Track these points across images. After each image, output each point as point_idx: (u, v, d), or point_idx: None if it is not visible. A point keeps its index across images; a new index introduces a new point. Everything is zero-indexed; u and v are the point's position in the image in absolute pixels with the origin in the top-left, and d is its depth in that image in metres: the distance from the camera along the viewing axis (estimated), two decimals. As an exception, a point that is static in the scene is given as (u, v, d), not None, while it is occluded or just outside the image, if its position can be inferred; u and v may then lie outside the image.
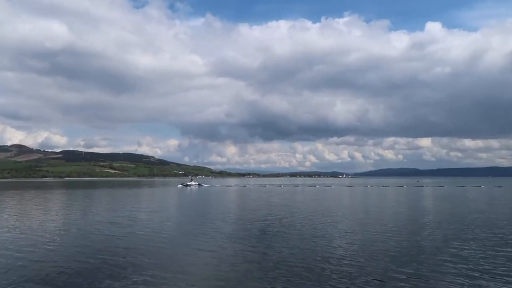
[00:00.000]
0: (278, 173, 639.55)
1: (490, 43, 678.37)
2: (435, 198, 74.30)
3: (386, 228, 30.97)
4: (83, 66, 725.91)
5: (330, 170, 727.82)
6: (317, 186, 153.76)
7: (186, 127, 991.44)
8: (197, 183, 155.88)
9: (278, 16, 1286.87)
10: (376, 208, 51.56)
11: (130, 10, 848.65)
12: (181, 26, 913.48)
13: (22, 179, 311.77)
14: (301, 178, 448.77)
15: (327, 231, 29.42)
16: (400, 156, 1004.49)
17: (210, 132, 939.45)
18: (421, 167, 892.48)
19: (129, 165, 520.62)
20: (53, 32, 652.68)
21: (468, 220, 36.79)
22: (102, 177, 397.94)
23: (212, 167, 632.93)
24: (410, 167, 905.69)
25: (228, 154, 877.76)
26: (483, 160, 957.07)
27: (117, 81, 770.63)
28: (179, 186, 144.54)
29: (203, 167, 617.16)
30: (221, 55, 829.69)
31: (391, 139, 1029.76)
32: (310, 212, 44.97)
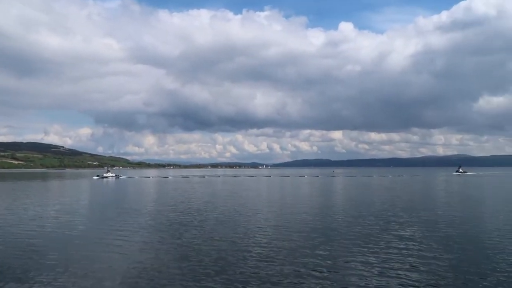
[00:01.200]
0: (199, 164, 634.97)
1: (394, 46, 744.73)
2: (350, 187, 79.34)
3: (308, 217, 31.84)
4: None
5: (249, 161, 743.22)
6: (241, 176, 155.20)
7: (100, 115, 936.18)
8: (114, 175, 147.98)
9: (199, 5, 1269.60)
10: (298, 198, 53.11)
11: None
12: (95, 6, 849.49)
13: None
14: (222, 169, 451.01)
15: (250, 222, 29.37)
16: (315, 148, 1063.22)
17: (127, 121, 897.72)
18: (333, 158, 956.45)
19: (35, 155, 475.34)
20: None
21: (383, 206, 39.54)
22: (3, 168, 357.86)
23: (129, 157, 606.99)
24: (324, 158, 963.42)
25: (146, 145, 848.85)
26: (386, 152, 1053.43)
27: (20, 63, 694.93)
28: (95, 177, 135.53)
29: (120, 157, 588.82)
30: (139, 41, 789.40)
31: (307, 131, 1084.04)
32: (234, 203, 44.71)
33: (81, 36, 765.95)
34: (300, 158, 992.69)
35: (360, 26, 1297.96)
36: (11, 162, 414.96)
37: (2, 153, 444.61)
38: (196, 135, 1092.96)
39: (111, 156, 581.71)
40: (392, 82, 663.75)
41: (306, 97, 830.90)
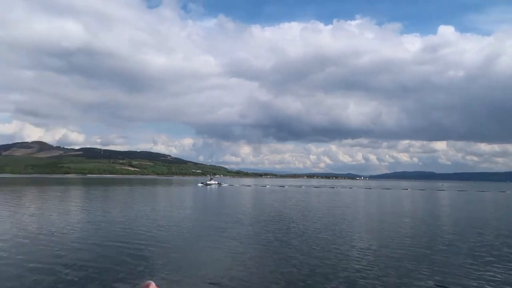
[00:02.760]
0: (295, 174, 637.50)
1: (504, 48, 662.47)
2: (464, 203, 72.47)
3: (417, 234, 30.13)
4: (98, 65, 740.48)
5: (345, 172, 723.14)
6: (338, 187, 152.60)
7: (200, 126, 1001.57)
8: (216, 182, 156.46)
9: (290, 18, 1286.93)
10: (404, 212, 50.46)
11: (144, 10, 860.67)
12: (194, 26, 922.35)
13: (46, 175, 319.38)
14: (318, 180, 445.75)
15: (354, 236, 28.77)
16: (415, 159, 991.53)
17: (224, 132, 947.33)
18: (437, 170, 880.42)
19: (147, 163, 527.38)
20: (69, 31, 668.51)
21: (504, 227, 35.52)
22: (122, 174, 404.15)
23: (227, 166, 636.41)
24: (426, 170, 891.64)
25: (242, 154, 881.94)
26: (500, 164, 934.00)
27: (131, 80, 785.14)
28: (199, 185, 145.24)
29: (220, 166, 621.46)
30: (233, 56, 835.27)
31: (406, 141, 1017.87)
32: (336, 215, 44.33)
33: (182, 54, 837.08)
34: (399, 170, 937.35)
35: (462, 29, 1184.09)
36: (128, 169, 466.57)
37: (121, 161, 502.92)
38: (290, 145, 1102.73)
39: (211, 165, 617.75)
40: (503, 87, 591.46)
41: (403, 106, 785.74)
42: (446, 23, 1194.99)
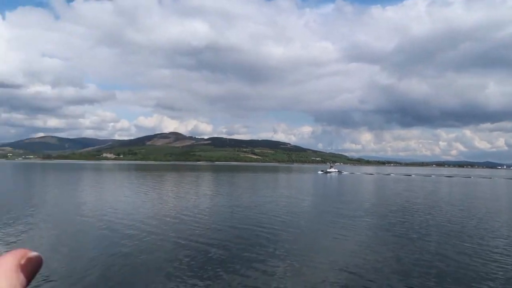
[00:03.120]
0: (422, 162, 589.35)
1: None
2: None
3: None
4: (223, 60, 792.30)
5: (482, 160, 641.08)
6: (473, 177, 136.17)
7: (318, 114, 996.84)
8: (336, 170, 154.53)
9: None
10: None
11: (262, 3, 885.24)
12: (311, 14, 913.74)
13: (181, 162, 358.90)
14: (450, 168, 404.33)
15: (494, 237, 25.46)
16: None
17: (343, 119, 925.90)
18: None
19: (268, 151, 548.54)
20: (197, 31, 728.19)
21: None
22: (245, 162, 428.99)
23: (347, 154, 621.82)
24: None
25: (362, 141, 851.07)
26: None
27: (252, 72, 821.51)
28: (319, 172, 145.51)
29: (339, 154, 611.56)
30: (352, 40, 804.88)
31: None
32: (473, 208, 39.85)
33: (300, 42, 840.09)
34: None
35: None
36: (251, 157, 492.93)
37: (244, 149, 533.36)
38: (415, 131, 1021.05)
39: (331, 153, 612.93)
40: None
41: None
42: None
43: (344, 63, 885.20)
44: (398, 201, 43.26)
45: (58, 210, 30.98)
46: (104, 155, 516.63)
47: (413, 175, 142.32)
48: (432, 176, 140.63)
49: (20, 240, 19.34)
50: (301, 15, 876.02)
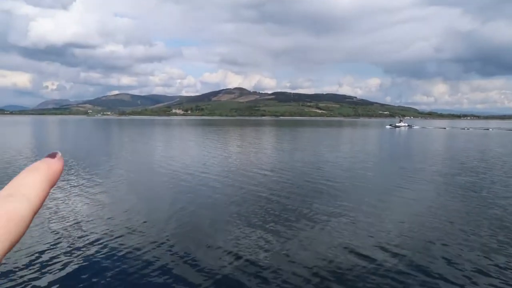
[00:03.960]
0: (504, 115, 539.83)
1: None
2: None
3: None
4: (288, 11, 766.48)
5: None
6: None
7: (389, 65, 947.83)
8: (406, 124, 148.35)
9: None
10: None
11: None
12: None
13: (246, 117, 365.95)
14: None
15: None
16: None
17: (416, 70, 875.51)
18: None
19: (333, 105, 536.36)
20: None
21: None
22: (310, 116, 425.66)
23: (417, 107, 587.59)
24: None
25: (435, 94, 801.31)
26: None
27: (318, 23, 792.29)
28: (388, 127, 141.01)
29: (409, 107, 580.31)
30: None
31: None
32: None
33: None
34: None
35: None
36: (316, 111, 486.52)
37: (309, 104, 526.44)
38: (498, 81, 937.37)
39: (400, 106, 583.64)
40: None
41: None
42: None
43: (422, 7, 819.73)
44: (472, 159, 41.46)
45: (141, 164, 34.52)
46: (174, 111, 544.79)
47: (491, 129, 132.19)
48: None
49: (101, 190, 22.33)
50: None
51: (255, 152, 45.44)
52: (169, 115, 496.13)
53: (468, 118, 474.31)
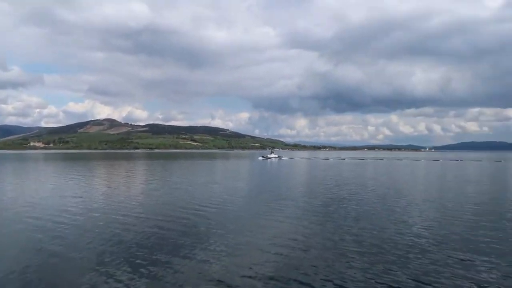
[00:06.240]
0: (354, 147, 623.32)
1: None
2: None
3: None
4: (162, 43, 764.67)
5: (405, 143, 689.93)
6: (404, 160, 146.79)
7: (257, 100, 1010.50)
8: (277, 156, 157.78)
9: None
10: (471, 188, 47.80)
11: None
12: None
13: (118, 150, 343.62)
14: (382, 152, 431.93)
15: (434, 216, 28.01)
16: (486, 128, 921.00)
17: (281, 105, 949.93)
18: (510, 140, 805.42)
19: (208, 137, 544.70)
20: (135, 11, 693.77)
21: None
22: (186, 149, 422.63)
23: (283, 139, 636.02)
24: (497, 140, 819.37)
25: (298, 127, 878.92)
26: None
27: (192, 56, 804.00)
28: (260, 158, 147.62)
29: (276, 140, 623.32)
30: (293, 26, 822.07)
31: (476, 109, 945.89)
32: (408, 189, 43.27)
33: (242, 27, 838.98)
34: (466, 140, 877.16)
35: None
36: (191, 143, 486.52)
37: (183, 136, 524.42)
38: (348, 117, 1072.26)
39: (268, 138, 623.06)
40: None
41: (477, 71, 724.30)
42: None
43: (284, 49, 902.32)
44: (334, 184, 45.51)
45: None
46: (32, 143, 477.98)
47: (346, 159, 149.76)
48: (365, 159, 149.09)
49: None
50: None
51: (126, 188, 41.96)
52: (26, 148, 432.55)
53: (327, 149, 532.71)
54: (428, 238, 18.86)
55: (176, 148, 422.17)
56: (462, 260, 15.30)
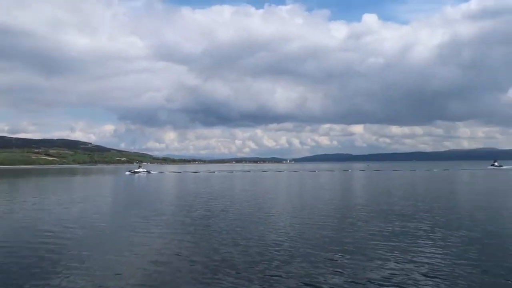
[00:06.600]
0: (223, 160, 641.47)
1: (419, 36, 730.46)
2: (399, 183, 78.83)
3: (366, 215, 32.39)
4: (10, 45, 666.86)
5: (269, 156, 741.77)
6: (269, 171, 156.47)
7: (123, 112, 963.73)
8: (145, 170, 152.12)
9: (222, 1, 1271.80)
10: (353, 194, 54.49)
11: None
12: (120, 6, 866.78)
13: None
14: (249, 164, 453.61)
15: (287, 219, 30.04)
16: (335, 142, 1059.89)
17: (149, 118, 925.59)
18: (354, 152, 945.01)
19: (66, 151, 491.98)
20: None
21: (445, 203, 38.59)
22: (39, 164, 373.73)
23: (151, 153, 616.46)
24: (344, 153, 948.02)
25: (166, 140, 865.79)
26: (408, 145, 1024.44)
27: (48, 62, 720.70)
28: (127, 173, 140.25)
29: (144, 153, 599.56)
30: (162, 38, 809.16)
31: (327, 125, 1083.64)
32: (284, 199, 46.82)
33: (107, 35, 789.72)
34: (320, 152, 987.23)
35: (385, 17, 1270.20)
36: (46, 158, 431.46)
37: (36, 150, 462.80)
38: (217, 131, 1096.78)
39: (136, 152, 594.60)
40: (416, 75, 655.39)
41: (327, 92, 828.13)
42: (371, 11, 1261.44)
43: (153, 61, 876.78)
44: (207, 198, 46.35)
45: None
46: None
47: (216, 172, 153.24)
48: (233, 171, 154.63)
49: None
50: (109, 6, 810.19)
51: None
52: None
53: (196, 162, 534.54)
54: (304, 240, 20.86)
55: (27, 164, 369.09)
56: (331, 259, 17.21)
